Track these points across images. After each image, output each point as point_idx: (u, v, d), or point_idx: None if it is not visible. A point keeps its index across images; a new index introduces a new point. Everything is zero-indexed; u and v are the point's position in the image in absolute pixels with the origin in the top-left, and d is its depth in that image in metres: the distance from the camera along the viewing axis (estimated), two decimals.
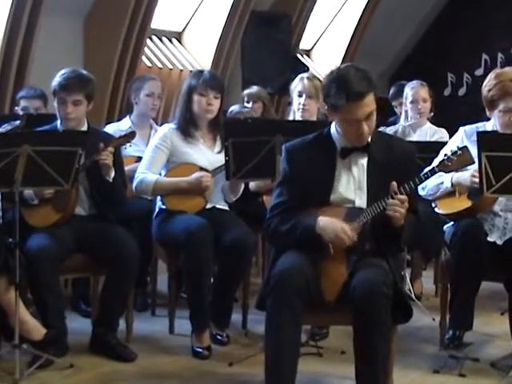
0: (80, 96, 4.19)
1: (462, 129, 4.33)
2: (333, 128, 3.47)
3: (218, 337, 4.40)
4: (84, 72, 4.32)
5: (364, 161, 3.43)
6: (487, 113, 4.26)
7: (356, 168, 3.43)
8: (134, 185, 4.50)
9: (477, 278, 4.09)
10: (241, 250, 4.31)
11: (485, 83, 4.25)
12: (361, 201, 3.41)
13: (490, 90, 4.19)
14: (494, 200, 4.08)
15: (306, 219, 3.34)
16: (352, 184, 3.42)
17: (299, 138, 3.53)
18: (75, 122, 4.23)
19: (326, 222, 3.31)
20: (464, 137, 4.24)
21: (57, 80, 4.20)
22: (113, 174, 4.21)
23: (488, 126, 4.27)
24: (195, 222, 4.29)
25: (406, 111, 5.91)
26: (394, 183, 3.27)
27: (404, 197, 3.27)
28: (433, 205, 4.29)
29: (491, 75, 4.25)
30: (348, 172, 3.43)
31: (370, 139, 3.41)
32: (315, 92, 5.06)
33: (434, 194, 4.22)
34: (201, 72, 4.59)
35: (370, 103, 3.28)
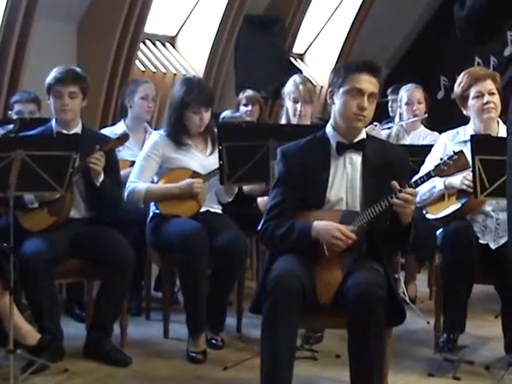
0: (75, 88, 4.23)
1: (443, 135, 4.40)
2: (328, 127, 3.51)
3: (213, 341, 4.40)
4: (77, 68, 4.43)
5: (358, 159, 3.47)
6: (464, 112, 4.31)
7: (350, 166, 3.46)
8: (126, 194, 4.50)
9: (468, 279, 4.10)
10: (233, 252, 4.31)
11: (456, 84, 4.33)
12: (352, 200, 3.43)
13: (460, 84, 4.28)
14: (482, 200, 4.09)
15: (302, 223, 3.36)
16: (345, 182, 3.45)
17: (293, 142, 3.56)
18: (71, 114, 4.26)
19: (322, 226, 3.33)
20: (447, 142, 4.27)
21: (51, 76, 4.26)
22: (101, 178, 4.21)
23: (468, 128, 4.31)
24: (190, 226, 4.30)
25: (401, 114, 5.94)
26: (395, 182, 3.29)
27: (413, 190, 3.31)
28: (423, 211, 4.30)
29: (460, 75, 4.33)
30: (343, 170, 3.46)
31: (364, 135, 3.47)
32: (310, 97, 5.08)
33: (427, 200, 4.24)
34: (191, 84, 4.49)
35: (376, 85, 3.41)
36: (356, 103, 3.38)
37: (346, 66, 3.48)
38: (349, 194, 3.44)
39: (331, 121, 3.51)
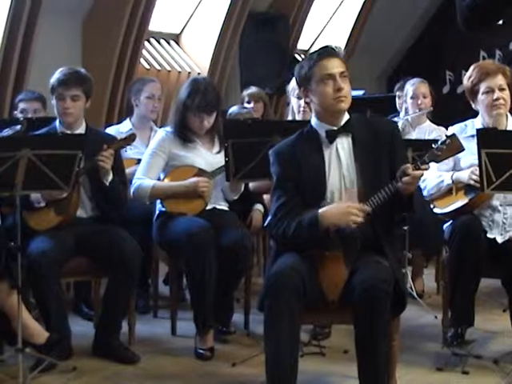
0: (78, 91, 4.22)
1: (450, 129, 4.37)
2: (313, 120, 3.53)
3: (224, 329, 4.42)
4: (82, 70, 4.38)
5: (349, 142, 3.47)
6: (472, 105, 4.29)
7: (342, 151, 3.47)
8: (132, 191, 4.50)
9: (475, 274, 4.09)
10: (239, 250, 4.30)
11: (465, 77, 4.31)
12: (350, 184, 3.43)
13: (469, 78, 4.26)
14: (490, 195, 4.08)
15: (308, 218, 3.34)
16: (340, 169, 3.45)
17: (283, 140, 3.58)
18: (73, 117, 4.26)
19: (329, 211, 3.32)
20: None
21: (55, 77, 4.25)
22: (110, 177, 4.21)
23: (476, 122, 4.29)
24: (196, 224, 4.30)
25: (406, 108, 5.93)
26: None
27: (419, 172, 3.31)
28: (431, 206, 4.30)
29: (470, 68, 4.31)
30: (336, 157, 3.47)
31: (348, 116, 3.49)
32: None
33: (434, 194, 4.24)
34: (195, 88, 4.46)
35: (341, 64, 3.44)
36: (332, 88, 3.40)
37: (306, 61, 3.48)
38: (346, 179, 3.45)
39: (314, 114, 3.53)
